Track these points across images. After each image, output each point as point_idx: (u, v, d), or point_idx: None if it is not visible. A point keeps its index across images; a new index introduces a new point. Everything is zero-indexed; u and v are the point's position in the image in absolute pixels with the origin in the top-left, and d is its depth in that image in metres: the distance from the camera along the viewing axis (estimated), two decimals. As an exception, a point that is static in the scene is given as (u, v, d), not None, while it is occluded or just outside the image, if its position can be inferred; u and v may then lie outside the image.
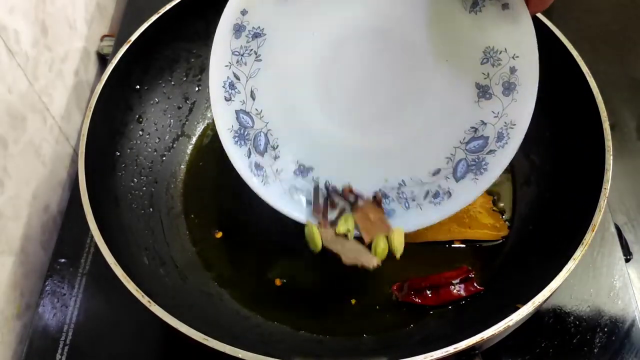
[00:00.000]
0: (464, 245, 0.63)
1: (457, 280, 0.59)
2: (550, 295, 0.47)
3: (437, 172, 0.57)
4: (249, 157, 0.59)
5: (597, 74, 0.58)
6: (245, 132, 0.59)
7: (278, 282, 0.62)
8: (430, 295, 0.58)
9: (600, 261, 0.64)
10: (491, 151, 0.54)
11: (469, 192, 0.55)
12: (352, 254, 0.53)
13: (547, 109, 0.64)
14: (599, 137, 0.54)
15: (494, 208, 0.65)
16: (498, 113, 0.53)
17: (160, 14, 0.66)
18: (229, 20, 0.56)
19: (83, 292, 0.65)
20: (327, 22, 0.56)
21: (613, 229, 0.66)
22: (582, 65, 0.58)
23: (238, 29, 0.56)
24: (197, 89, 0.73)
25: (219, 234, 0.65)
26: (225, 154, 0.58)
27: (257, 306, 0.60)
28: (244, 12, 0.56)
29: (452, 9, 0.53)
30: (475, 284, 0.59)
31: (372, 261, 0.52)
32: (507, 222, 0.64)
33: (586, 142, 0.57)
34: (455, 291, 0.58)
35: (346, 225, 0.55)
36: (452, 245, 0.63)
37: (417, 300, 0.58)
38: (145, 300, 0.47)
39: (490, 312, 0.51)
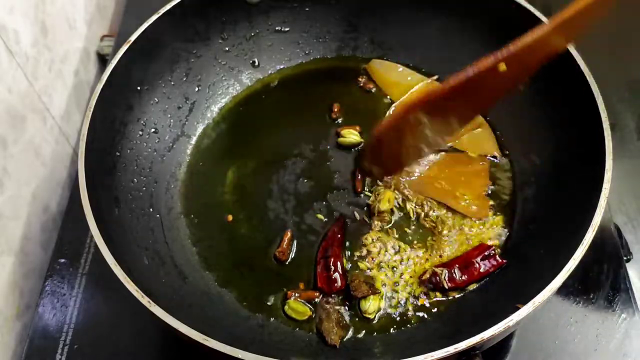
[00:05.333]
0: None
1: (480, 258, 0.59)
2: (550, 295, 0.47)
3: None
4: None
5: (597, 74, 0.58)
6: None
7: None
8: (459, 277, 0.58)
9: (601, 261, 0.64)
10: None
11: None
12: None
13: (547, 109, 0.65)
14: (599, 137, 0.54)
15: (489, 193, 0.65)
16: None
17: (160, 14, 0.66)
18: None
19: (83, 292, 0.65)
20: None
21: (613, 229, 0.66)
22: (582, 65, 0.58)
23: None
24: (197, 89, 0.73)
25: (230, 217, 0.65)
26: (225, 154, 0.57)
27: (257, 306, 0.60)
28: None
29: None
30: (497, 258, 0.59)
31: None
32: (492, 210, 0.64)
33: (586, 142, 0.57)
34: (482, 269, 0.59)
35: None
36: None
37: (448, 284, 0.58)
38: (145, 300, 0.47)
39: (490, 312, 0.51)
